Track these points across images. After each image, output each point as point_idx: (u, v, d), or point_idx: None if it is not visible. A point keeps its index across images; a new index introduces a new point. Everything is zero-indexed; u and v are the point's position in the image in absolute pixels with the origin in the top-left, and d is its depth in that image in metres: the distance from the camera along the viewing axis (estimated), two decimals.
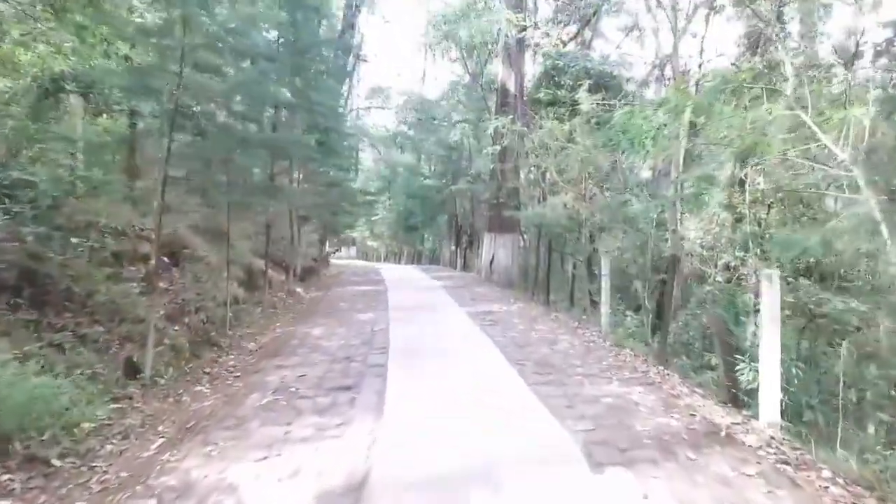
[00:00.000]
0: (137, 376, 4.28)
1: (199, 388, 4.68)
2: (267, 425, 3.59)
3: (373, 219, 31.82)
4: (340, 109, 16.63)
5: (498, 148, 12.64)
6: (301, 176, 11.54)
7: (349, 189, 15.48)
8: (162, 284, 6.04)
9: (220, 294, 6.70)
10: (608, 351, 6.07)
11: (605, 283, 7.55)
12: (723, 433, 3.58)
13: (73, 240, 4.65)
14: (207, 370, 5.20)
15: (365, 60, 26.44)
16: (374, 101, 30.29)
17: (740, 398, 4.93)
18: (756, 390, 4.72)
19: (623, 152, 6.10)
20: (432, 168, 27.13)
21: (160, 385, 4.43)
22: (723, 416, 4.11)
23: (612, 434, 3.43)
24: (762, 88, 5.27)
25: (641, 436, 3.42)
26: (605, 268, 7.64)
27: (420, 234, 30.80)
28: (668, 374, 5.48)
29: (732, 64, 9.20)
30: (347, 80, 24.81)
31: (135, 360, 4.35)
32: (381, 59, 57.67)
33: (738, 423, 3.99)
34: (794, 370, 4.40)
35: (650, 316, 7.35)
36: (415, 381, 4.48)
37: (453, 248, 24.89)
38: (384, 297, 10.39)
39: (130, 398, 3.97)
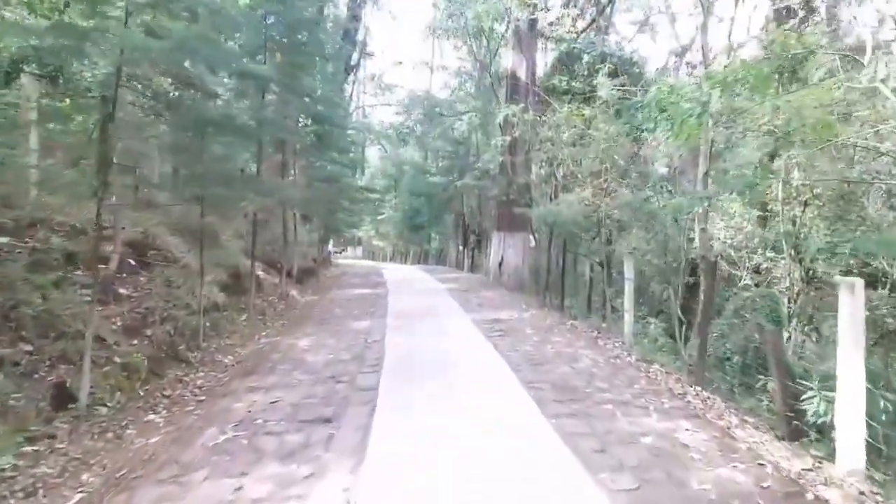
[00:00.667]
0: (69, 406, 3.51)
1: (151, 416, 3.91)
2: (215, 476, 2.80)
3: (378, 218, 31.02)
4: (342, 101, 15.85)
5: (507, 139, 11.78)
6: (296, 171, 10.77)
7: (349, 185, 14.64)
8: (123, 291, 5.29)
9: (195, 300, 5.93)
10: (636, 368, 5.24)
11: (629, 288, 6.68)
12: (809, 495, 2.73)
13: (1, 239, 3.89)
14: (168, 392, 4.44)
15: (370, 55, 25.76)
16: (381, 97, 29.56)
17: (803, 430, 4.08)
18: (827, 424, 3.91)
19: (652, 137, 5.27)
20: (438, 164, 26.26)
21: (99, 416, 3.66)
22: (789, 460, 3.30)
23: (663, 496, 2.60)
24: (838, 58, 4.39)
25: (702, 499, 2.59)
26: (628, 271, 6.77)
27: (426, 234, 29.94)
28: (709, 398, 4.66)
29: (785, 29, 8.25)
30: (352, 74, 24.11)
31: (68, 385, 3.58)
32: (388, 56, 56.93)
33: (809, 470, 3.17)
34: (881, 402, 3.54)
35: (682, 326, 6.47)
36: (408, 413, 3.67)
37: (460, 248, 24.03)
38: (384, 301, 9.60)
39: (53, 437, 3.20)
